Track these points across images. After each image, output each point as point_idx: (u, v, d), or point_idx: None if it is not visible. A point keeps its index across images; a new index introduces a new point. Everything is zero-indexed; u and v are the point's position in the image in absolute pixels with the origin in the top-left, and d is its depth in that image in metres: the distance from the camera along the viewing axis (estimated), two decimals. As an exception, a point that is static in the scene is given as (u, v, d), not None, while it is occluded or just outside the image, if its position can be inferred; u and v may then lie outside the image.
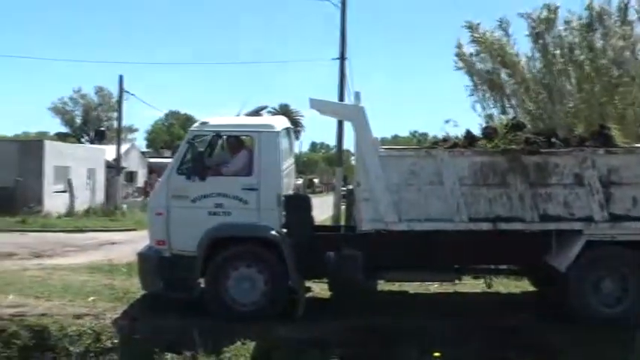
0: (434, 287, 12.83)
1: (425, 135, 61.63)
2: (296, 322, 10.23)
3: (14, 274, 14.13)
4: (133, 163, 48.53)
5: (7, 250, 19.38)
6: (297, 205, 11.05)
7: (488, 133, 11.12)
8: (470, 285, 12.44)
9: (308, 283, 11.33)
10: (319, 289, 11.90)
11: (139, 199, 40.37)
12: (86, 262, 16.49)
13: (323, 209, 19.30)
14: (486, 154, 10.55)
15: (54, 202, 33.79)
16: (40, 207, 32.53)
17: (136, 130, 79.14)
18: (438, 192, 10.49)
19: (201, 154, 10.68)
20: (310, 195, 13.14)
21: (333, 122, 28.55)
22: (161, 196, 10.94)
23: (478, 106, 14.10)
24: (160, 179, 12.15)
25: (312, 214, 11.35)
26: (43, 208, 32.76)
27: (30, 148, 35.22)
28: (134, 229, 26.51)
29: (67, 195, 35.31)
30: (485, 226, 10.46)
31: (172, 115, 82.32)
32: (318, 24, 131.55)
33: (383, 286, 11.82)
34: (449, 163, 10.48)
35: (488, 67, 14.53)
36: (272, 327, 9.95)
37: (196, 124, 11.34)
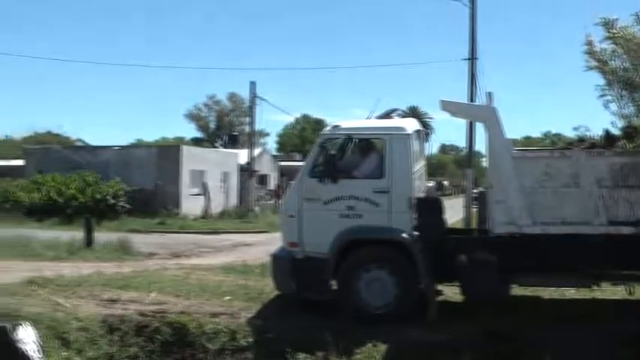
0: (570, 293, 12.39)
1: (558, 136, 59.80)
2: (428, 325, 10.17)
3: (155, 273, 14.75)
4: (265, 167, 49.57)
5: (148, 250, 20.39)
6: (429, 208, 10.95)
7: (629, 132, 10.70)
8: (609, 292, 11.93)
9: (440, 287, 11.23)
10: (451, 292, 11.76)
11: (271, 202, 41.21)
12: (221, 263, 17.01)
13: (453, 212, 19.04)
14: (627, 154, 10.17)
15: (190, 205, 34.99)
16: (177, 209, 33.86)
17: (267, 134, 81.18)
18: (574, 194, 10.19)
19: (332, 157, 10.79)
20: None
21: (462, 124, 28.24)
22: (294, 198, 11.10)
23: (613, 105, 13.49)
24: (291, 182, 12.35)
25: (443, 217, 11.22)
26: (180, 210, 34.05)
27: (168, 152, 36.66)
28: (266, 231, 27.18)
29: (202, 198, 36.41)
30: (625, 229, 10.06)
31: (303, 119, 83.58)
32: (447, 24, 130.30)
33: (516, 290, 11.56)
34: (586, 164, 10.16)
35: (624, 65, 13.85)
36: (403, 329, 9.93)
37: (328, 128, 11.46)
